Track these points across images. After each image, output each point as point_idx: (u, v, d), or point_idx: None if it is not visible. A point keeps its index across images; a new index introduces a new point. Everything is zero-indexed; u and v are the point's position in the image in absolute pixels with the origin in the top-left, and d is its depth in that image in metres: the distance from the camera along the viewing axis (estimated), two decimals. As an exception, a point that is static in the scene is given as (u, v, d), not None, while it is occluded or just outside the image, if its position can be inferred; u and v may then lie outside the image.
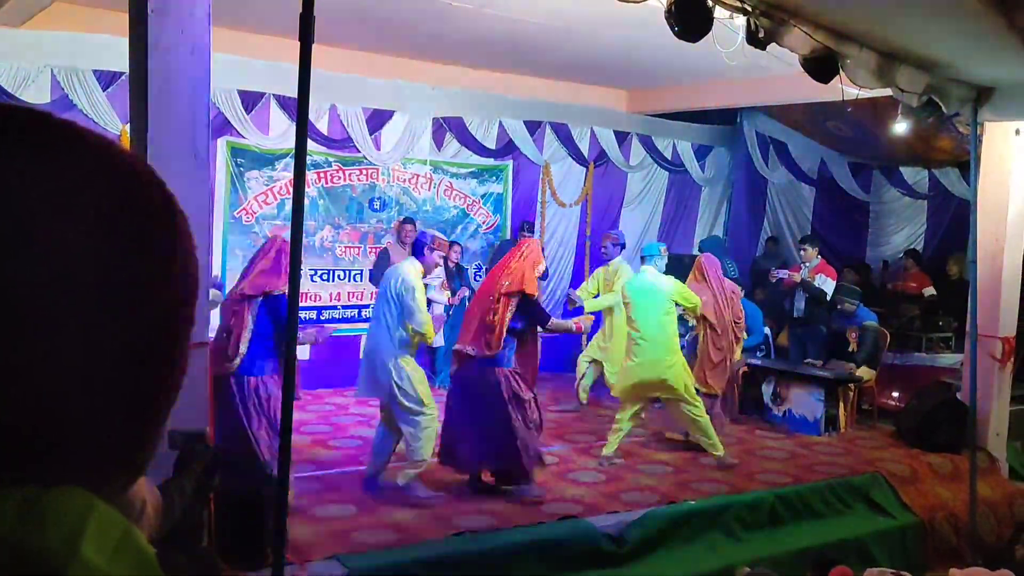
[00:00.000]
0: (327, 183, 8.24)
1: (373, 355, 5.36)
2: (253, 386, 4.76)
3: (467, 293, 8.28)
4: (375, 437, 5.60)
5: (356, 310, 8.48)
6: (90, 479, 0.60)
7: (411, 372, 5.28)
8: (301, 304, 6.03)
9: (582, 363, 7.98)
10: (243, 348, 4.74)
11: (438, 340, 7.80)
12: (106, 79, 6.68)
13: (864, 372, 7.78)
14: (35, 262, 0.57)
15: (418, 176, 8.75)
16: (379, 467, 5.45)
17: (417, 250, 5.47)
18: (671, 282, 6.46)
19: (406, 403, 5.21)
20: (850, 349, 7.91)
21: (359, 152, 8.19)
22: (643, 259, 6.63)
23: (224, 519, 3.90)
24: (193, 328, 0.68)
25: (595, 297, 7.74)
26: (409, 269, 5.34)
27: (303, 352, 7.51)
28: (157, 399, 0.65)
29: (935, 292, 9.77)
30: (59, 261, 0.58)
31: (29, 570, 0.54)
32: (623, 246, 7.88)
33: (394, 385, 5.21)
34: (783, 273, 8.43)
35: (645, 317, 6.30)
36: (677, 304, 6.43)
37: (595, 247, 9.89)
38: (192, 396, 3.42)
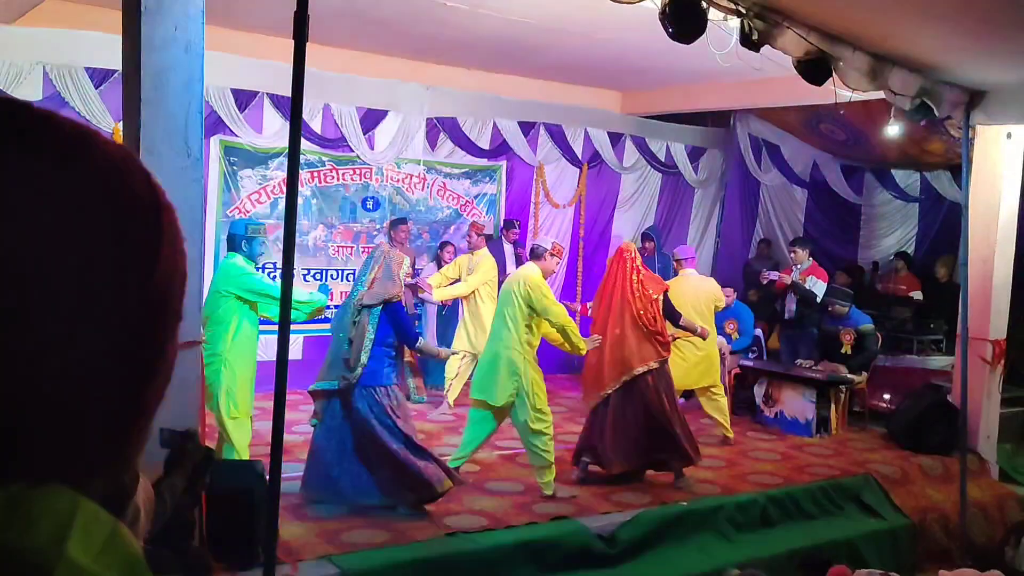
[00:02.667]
0: (320, 182, 8.23)
1: (496, 361, 5.45)
2: (380, 396, 4.88)
3: None
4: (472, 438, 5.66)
5: (349, 310, 8.46)
6: (75, 476, 0.59)
7: (537, 377, 5.52)
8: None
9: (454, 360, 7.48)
10: (364, 358, 4.83)
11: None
12: (99, 77, 6.66)
13: (855, 374, 7.80)
14: (11, 254, 0.56)
15: (411, 176, 8.74)
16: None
17: (536, 255, 5.69)
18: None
19: (532, 411, 5.43)
20: (843, 351, 7.93)
21: (352, 152, 8.18)
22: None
23: (216, 518, 3.89)
24: (180, 323, 0.67)
25: (453, 284, 7.62)
26: (532, 272, 5.58)
27: (295, 351, 7.48)
28: (142, 395, 0.63)
29: (921, 295, 9.82)
30: (37, 253, 0.56)
31: (14, 570, 0.53)
32: (489, 236, 7.83)
33: (524, 391, 5.42)
34: (774, 275, 8.45)
35: None
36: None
37: (588, 248, 9.92)
38: (183, 395, 3.41)
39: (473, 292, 7.57)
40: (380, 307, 4.91)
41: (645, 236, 9.73)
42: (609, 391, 5.73)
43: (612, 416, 5.73)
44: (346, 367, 4.83)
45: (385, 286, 4.94)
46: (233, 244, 5.20)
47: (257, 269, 5.26)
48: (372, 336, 4.85)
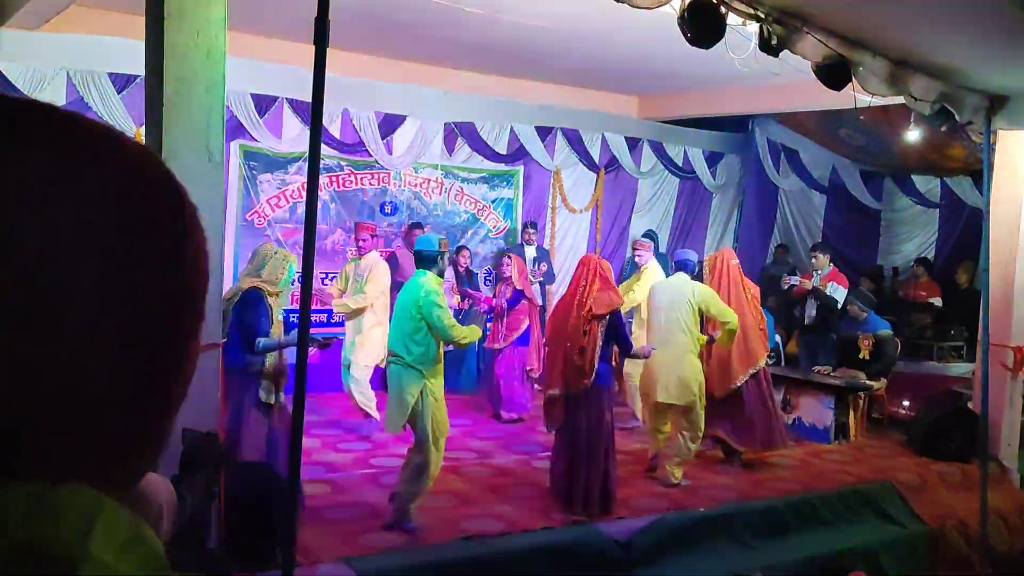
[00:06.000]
0: (339, 187, 8.27)
1: (679, 364, 5.95)
2: (606, 397, 5.35)
3: (481, 296, 8.26)
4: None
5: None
6: (94, 477, 0.59)
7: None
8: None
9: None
10: (596, 364, 5.24)
11: None
12: (121, 82, 6.74)
13: (874, 380, 7.74)
14: (35, 254, 0.56)
15: (429, 181, 8.78)
16: None
17: (690, 269, 6.23)
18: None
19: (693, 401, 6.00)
20: (861, 356, 7.87)
21: (371, 156, 8.23)
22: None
23: (234, 519, 3.91)
24: (203, 323, 0.66)
25: (342, 295, 6.80)
26: (697, 283, 6.23)
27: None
28: (165, 393, 0.63)
29: (941, 302, 9.74)
30: (60, 252, 0.56)
31: (38, 568, 0.53)
32: (376, 236, 7.28)
33: (678, 386, 5.99)
34: (795, 280, 8.41)
35: None
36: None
37: (605, 253, 9.90)
38: (202, 397, 3.44)
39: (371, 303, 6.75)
40: (608, 316, 5.29)
41: (645, 237, 9.69)
42: (739, 383, 6.34)
43: (743, 402, 6.38)
44: (581, 373, 5.20)
45: (612, 297, 5.38)
46: (424, 262, 5.02)
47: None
48: (601, 343, 5.25)
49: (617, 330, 5.40)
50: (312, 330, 7.08)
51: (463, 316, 8.24)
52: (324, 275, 8.12)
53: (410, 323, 4.88)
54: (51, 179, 0.58)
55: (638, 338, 6.98)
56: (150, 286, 0.61)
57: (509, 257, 7.71)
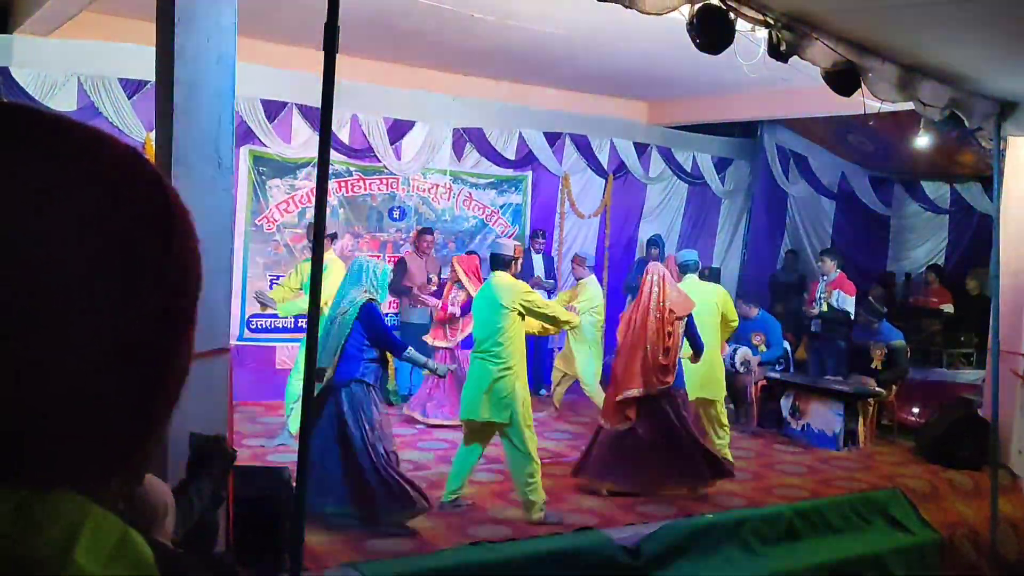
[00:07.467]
0: (348, 192, 8.30)
1: (711, 363, 6.34)
2: (682, 393, 5.83)
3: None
4: None
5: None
6: (87, 482, 0.59)
7: None
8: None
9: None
10: (678, 363, 5.73)
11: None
12: (132, 87, 6.77)
13: (884, 388, 7.71)
14: (21, 258, 0.56)
15: (438, 186, 8.79)
16: None
17: (692, 268, 6.59)
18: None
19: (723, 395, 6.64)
20: (873, 366, 7.83)
21: (380, 162, 8.24)
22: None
23: (242, 524, 3.91)
24: (194, 328, 0.65)
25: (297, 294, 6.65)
26: (717, 285, 6.87)
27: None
28: (153, 400, 0.62)
29: (952, 309, 9.70)
30: (46, 257, 0.56)
31: (20, 574, 0.53)
32: (335, 236, 7.15)
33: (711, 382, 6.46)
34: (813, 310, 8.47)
35: None
36: None
37: (613, 259, 9.90)
38: (213, 400, 3.44)
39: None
40: (686, 317, 5.76)
41: (651, 243, 9.69)
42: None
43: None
44: (662, 370, 5.64)
45: (684, 299, 5.77)
46: (499, 263, 5.47)
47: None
48: (681, 343, 5.77)
49: (691, 331, 5.80)
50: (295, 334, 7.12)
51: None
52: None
53: (495, 321, 5.20)
54: (37, 183, 0.58)
55: (578, 352, 7.64)
56: (136, 291, 0.60)
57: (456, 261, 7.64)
